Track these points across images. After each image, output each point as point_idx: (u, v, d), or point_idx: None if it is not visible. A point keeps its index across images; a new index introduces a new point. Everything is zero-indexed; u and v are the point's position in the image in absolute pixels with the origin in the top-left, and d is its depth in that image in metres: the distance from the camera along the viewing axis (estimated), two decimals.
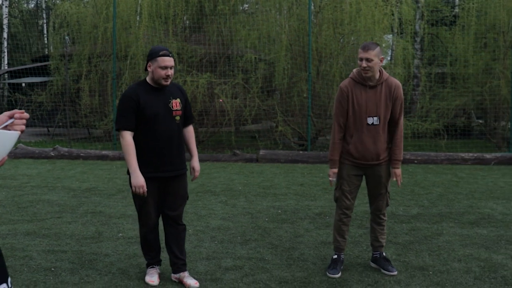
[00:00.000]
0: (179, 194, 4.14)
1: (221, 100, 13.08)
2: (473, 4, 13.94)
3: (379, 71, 4.34)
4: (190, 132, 4.26)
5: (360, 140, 4.34)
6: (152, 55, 3.91)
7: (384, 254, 4.62)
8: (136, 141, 3.97)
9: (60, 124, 16.76)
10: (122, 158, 11.72)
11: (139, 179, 3.85)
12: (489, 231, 5.84)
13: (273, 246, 5.20)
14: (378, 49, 4.26)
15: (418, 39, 16.58)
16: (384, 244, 4.63)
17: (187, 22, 14.38)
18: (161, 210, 4.17)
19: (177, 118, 4.03)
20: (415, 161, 11.61)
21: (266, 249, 5.10)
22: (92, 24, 14.89)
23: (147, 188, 3.98)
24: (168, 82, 3.97)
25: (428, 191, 8.30)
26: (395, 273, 4.42)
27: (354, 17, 12.71)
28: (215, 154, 12.44)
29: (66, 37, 13.96)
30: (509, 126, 13.20)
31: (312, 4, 12.66)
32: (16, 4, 35.93)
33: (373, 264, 4.63)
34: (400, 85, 4.41)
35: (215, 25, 13.61)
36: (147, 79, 4.04)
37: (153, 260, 4.27)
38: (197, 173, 4.21)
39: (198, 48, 13.65)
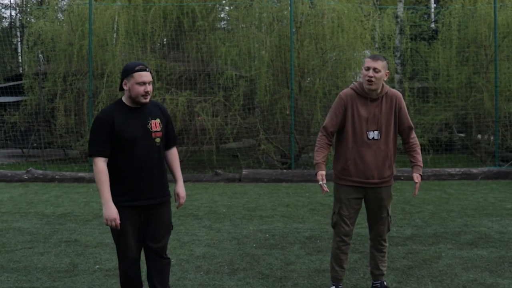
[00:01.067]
0: (162, 224, 3.74)
1: (200, 118, 12.71)
2: (453, 18, 13.88)
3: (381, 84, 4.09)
4: (173, 155, 3.88)
5: (360, 156, 4.04)
6: (128, 72, 3.58)
7: (385, 283, 4.27)
8: (113, 166, 3.61)
9: (35, 145, 16.18)
10: None
11: (111, 211, 3.51)
12: (489, 252, 5.54)
13: (264, 276, 4.81)
14: (385, 62, 4.05)
15: (398, 54, 16.48)
16: (385, 272, 4.29)
17: (165, 39, 14.03)
18: (143, 241, 3.77)
19: (157, 140, 3.67)
20: (402, 178, 11.36)
21: (256, 279, 4.71)
22: (67, 42, 14.43)
23: (126, 218, 3.61)
24: (148, 100, 3.62)
25: (419, 209, 8.01)
26: None
27: (336, 32, 12.51)
28: (196, 174, 12.03)
29: (40, 55, 13.47)
30: (493, 140, 13.08)
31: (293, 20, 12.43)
32: None
33: None
34: (401, 95, 4.18)
35: (194, 42, 13.27)
36: (123, 98, 3.69)
37: None
38: (182, 200, 3.83)
39: (177, 65, 13.28)
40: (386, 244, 4.25)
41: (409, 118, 4.17)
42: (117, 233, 3.65)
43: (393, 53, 14.79)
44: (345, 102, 4.09)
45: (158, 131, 3.67)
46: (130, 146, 3.58)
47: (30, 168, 11.70)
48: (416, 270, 4.96)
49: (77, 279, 4.70)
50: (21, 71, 25.19)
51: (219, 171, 11.53)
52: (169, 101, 12.27)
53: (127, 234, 3.64)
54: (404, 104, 4.15)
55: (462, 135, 15.58)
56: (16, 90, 15.64)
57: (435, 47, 14.70)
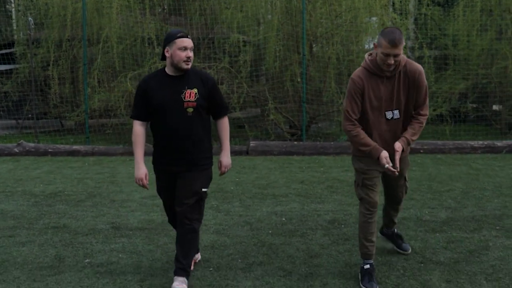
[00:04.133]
0: (185, 186, 3.67)
1: None
2: None
3: None
4: (222, 124, 3.93)
5: (381, 138, 3.80)
6: (169, 38, 3.65)
7: (396, 230, 4.47)
8: (152, 131, 3.81)
9: (30, 115, 15.33)
10: (95, 153, 10.43)
11: (139, 172, 3.71)
12: None
13: (286, 272, 4.04)
14: (403, 38, 3.56)
15: (412, 20, 15.46)
16: (396, 221, 4.45)
17: (166, 0, 13.03)
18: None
19: (189, 110, 3.66)
20: (421, 150, 10.56)
21: (277, 278, 3.93)
22: (61, 5, 13.44)
23: (161, 179, 3.84)
24: (189, 66, 3.66)
25: (448, 187, 7.21)
26: (409, 251, 4.40)
27: None
28: None
29: (30, 19, 12.49)
30: None
31: None
32: None
33: (384, 239, 4.55)
34: (423, 70, 3.73)
35: (197, 3, 12.28)
36: (166, 67, 3.75)
37: None
38: (224, 168, 3.93)
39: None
40: (402, 204, 4.28)
41: (427, 96, 3.76)
42: (158, 192, 3.92)
43: (410, 17, 13.78)
44: (361, 86, 3.71)
45: (192, 101, 3.65)
46: (160, 113, 3.66)
47: (21, 141, 10.89)
48: (464, 264, 4.18)
49: (62, 278, 3.92)
50: (16, 38, 24.13)
51: None
52: None
53: (161, 192, 3.90)
54: (425, 80, 3.74)
55: (474, 105, 14.71)
56: (9, 58, 14.73)
57: (455, 11, 13.66)
